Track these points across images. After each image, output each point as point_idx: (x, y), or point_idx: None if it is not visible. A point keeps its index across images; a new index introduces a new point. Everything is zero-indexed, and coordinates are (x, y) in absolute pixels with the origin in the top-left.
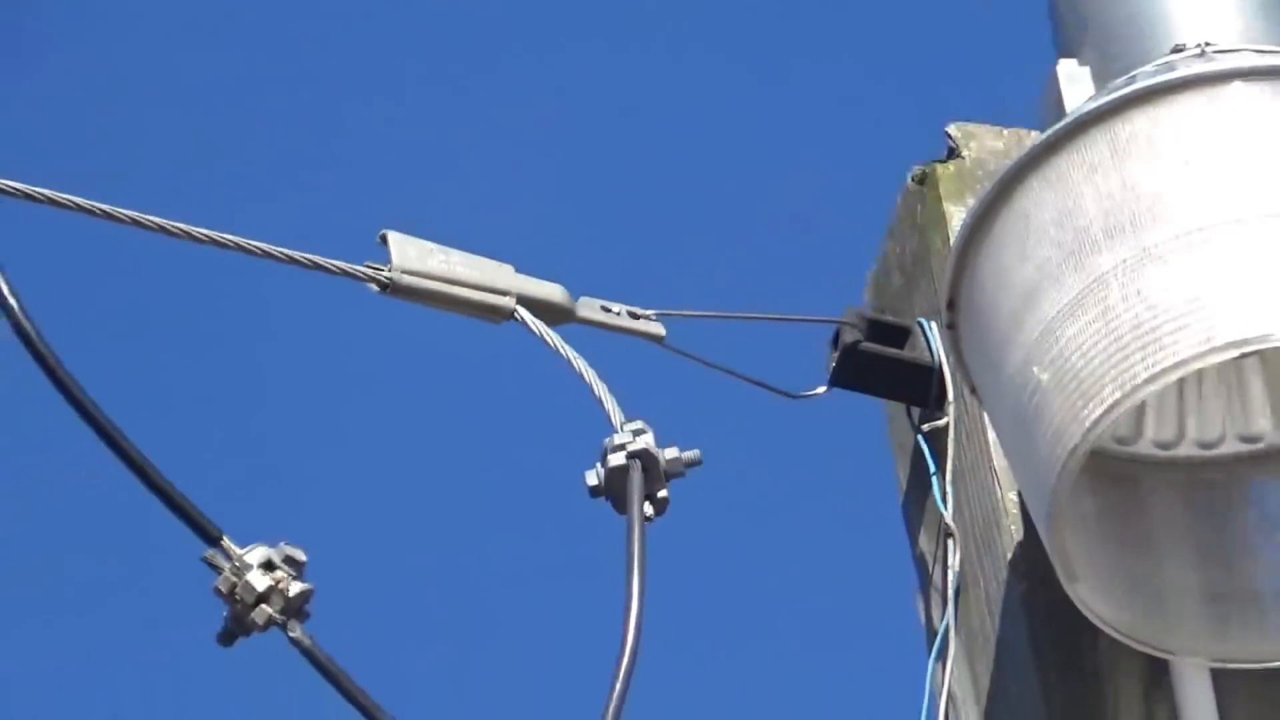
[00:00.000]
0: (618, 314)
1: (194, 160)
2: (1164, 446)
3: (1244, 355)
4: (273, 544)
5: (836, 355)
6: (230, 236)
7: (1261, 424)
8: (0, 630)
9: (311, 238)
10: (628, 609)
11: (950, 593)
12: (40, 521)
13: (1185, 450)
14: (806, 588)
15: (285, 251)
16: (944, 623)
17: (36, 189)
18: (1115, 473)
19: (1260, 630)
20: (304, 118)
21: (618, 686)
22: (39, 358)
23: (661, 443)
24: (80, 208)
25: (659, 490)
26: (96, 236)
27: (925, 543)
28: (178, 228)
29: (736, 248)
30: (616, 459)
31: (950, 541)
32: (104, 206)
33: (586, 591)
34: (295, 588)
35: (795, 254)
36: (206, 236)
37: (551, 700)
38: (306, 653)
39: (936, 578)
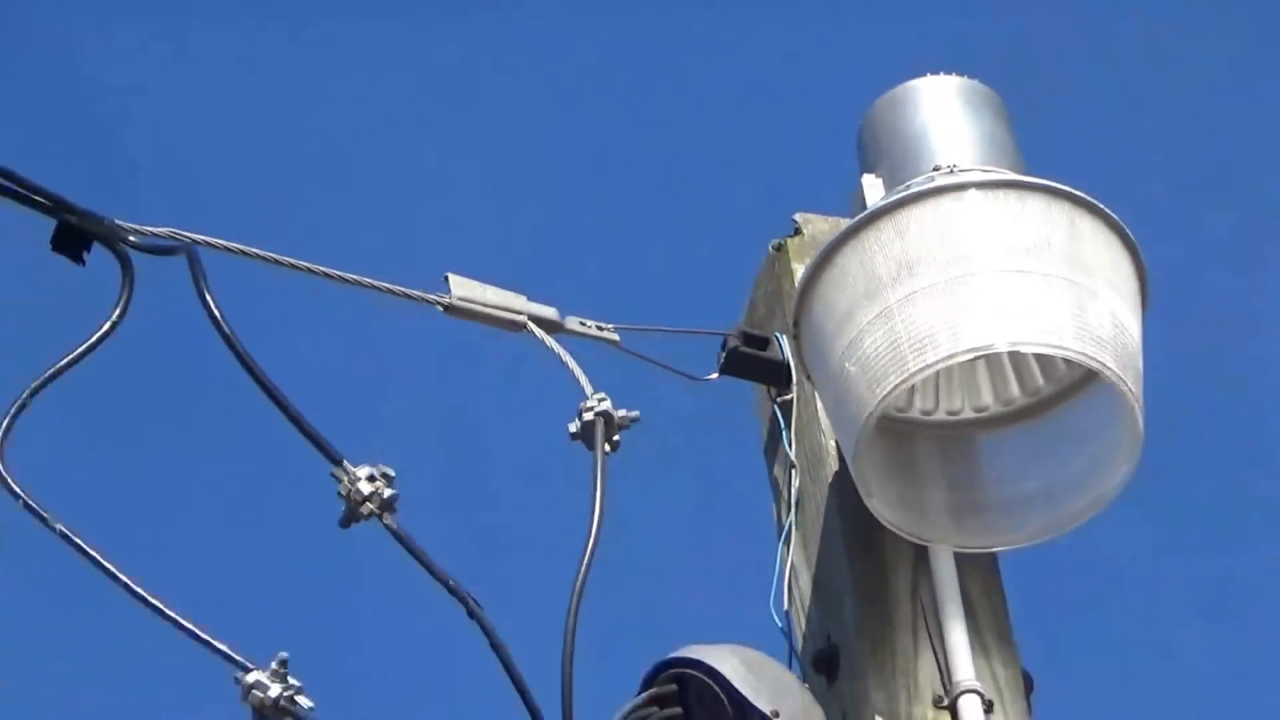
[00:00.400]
0: (589, 327)
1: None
2: (925, 413)
3: (975, 357)
4: (374, 464)
5: (724, 355)
6: (321, 267)
7: (986, 399)
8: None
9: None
10: (592, 511)
11: (793, 503)
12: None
13: (939, 416)
14: (701, 500)
15: (379, 282)
16: (789, 521)
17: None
18: (895, 429)
19: (984, 530)
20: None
21: (585, 561)
22: (214, 322)
23: (615, 406)
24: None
25: (614, 436)
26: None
27: (779, 472)
28: (288, 261)
29: (663, 283)
30: (588, 416)
31: (793, 471)
32: (285, 258)
33: (568, 500)
34: (388, 492)
35: (699, 293)
36: (306, 266)
37: (542, 573)
38: (397, 536)
39: (785, 494)
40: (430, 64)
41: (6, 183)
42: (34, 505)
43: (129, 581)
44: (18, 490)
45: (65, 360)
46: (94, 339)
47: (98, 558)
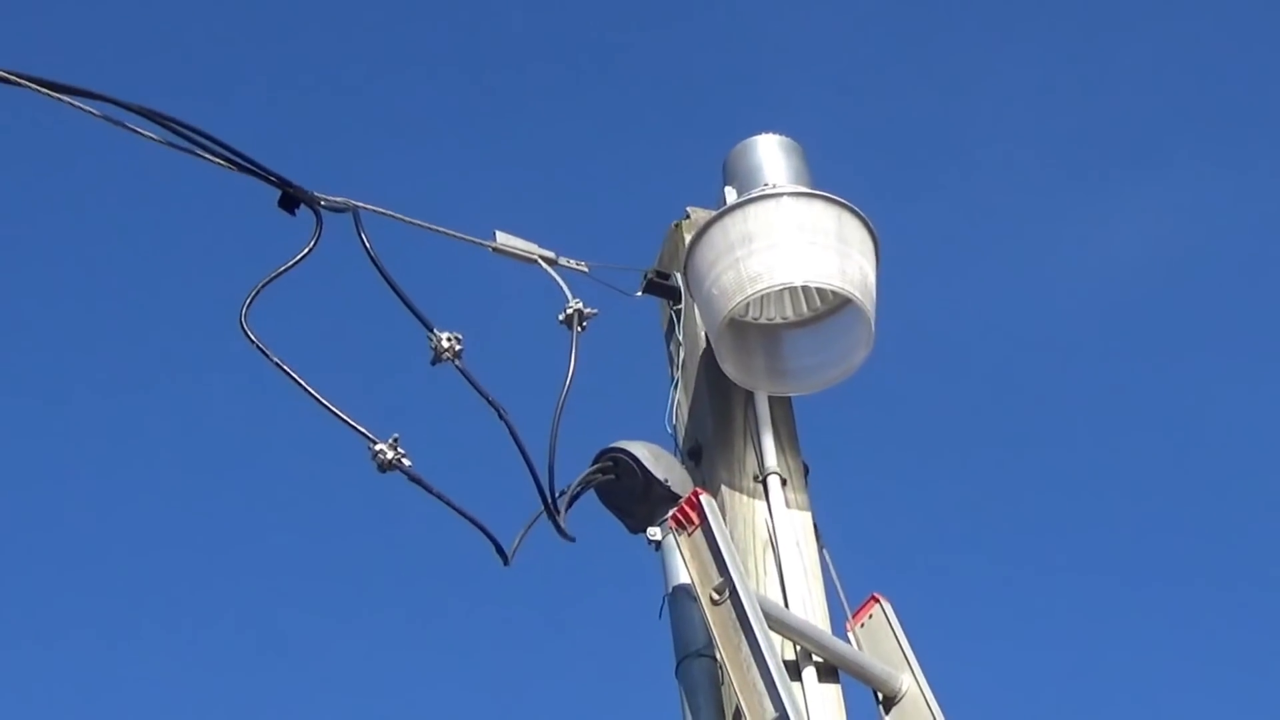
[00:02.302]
0: (571, 263)
1: None
2: (755, 319)
3: (783, 288)
4: (451, 332)
5: (645, 283)
6: (439, 227)
7: (789, 312)
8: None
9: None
10: (568, 367)
11: (679, 365)
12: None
13: (763, 320)
14: (627, 364)
15: (463, 235)
16: (676, 375)
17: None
18: (739, 326)
19: (784, 384)
20: None
21: (564, 393)
22: (369, 255)
23: (585, 306)
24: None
25: (584, 323)
26: None
27: (672, 348)
28: (413, 221)
29: (610, 244)
30: (569, 310)
31: (680, 348)
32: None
33: (552, 362)
34: (458, 347)
35: (634, 251)
36: (426, 225)
37: (540, 400)
38: (463, 373)
39: (675, 359)
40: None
41: (256, 168)
42: (255, 340)
43: (304, 383)
44: (251, 336)
45: (286, 266)
46: (300, 256)
47: (286, 368)
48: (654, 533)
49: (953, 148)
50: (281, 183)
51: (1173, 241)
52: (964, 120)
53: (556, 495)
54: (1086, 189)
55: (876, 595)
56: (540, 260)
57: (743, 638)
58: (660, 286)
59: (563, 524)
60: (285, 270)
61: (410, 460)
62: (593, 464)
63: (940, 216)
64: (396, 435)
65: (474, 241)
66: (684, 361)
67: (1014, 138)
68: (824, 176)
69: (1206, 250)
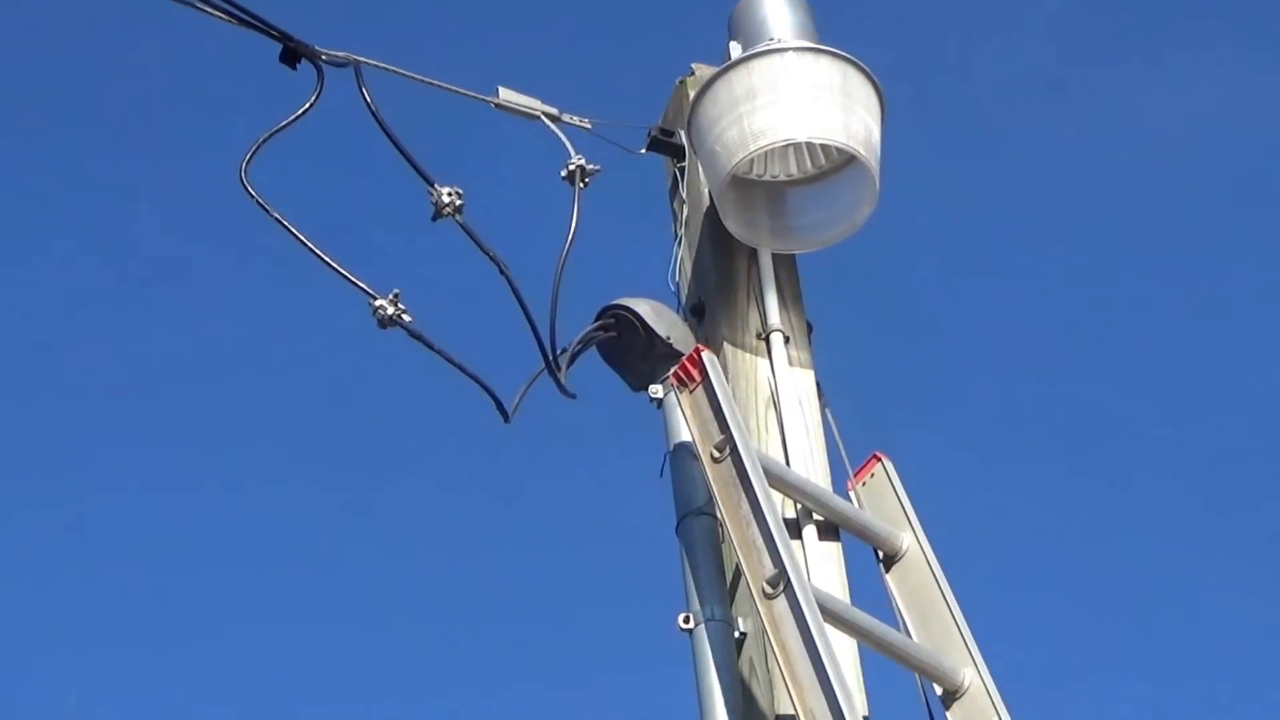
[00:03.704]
0: (575, 120)
1: None
2: (759, 176)
3: (787, 143)
4: (452, 186)
5: (649, 139)
6: (439, 81)
7: (794, 169)
8: None
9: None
10: (570, 220)
11: (683, 221)
12: None
13: (767, 177)
14: (633, 221)
15: (464, 90)
16: (680, 233)
17: None
18: (742, 183)
19: (789, 240)
20: None
21: (566, 247)
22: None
23: (587, 163)
24: None
25: (586, 180)
26: None
27: (675, 206)
28: (410, 74)
29: (617, 100)
30: (572, 166)
31: (684, 205)
32: None
33: (555, 219)
34: (459, 202)
35: (639, 108)
36: (426, 80)
37: (541, 258)
38: (464, 228)
39: (679, 217)
40: None
41: (258, 23)
42: (255, 195)
43: (305, 239)
44: (251, 191)
45: (287, 121)
46: (301, 111)
47: (286, 224)
48: (656, 390)
49: (983, 26)
50: (283, 37)
51: (1199, 134)
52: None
53: (558, 352)
54: (1115, 77)
55: (878, 454)
56: (543, 116)
57: (743, 495)
58: (664, 144)
59: (564, 381)
60: (286, 125)
61: (411, 316)
62: (594, 321)
63: (958, 90)
64: (397, 290)
65: (477, 97)
66: (687, 219)
67: (1045, 20)
68: (836, 38)
69: (1234, 141)
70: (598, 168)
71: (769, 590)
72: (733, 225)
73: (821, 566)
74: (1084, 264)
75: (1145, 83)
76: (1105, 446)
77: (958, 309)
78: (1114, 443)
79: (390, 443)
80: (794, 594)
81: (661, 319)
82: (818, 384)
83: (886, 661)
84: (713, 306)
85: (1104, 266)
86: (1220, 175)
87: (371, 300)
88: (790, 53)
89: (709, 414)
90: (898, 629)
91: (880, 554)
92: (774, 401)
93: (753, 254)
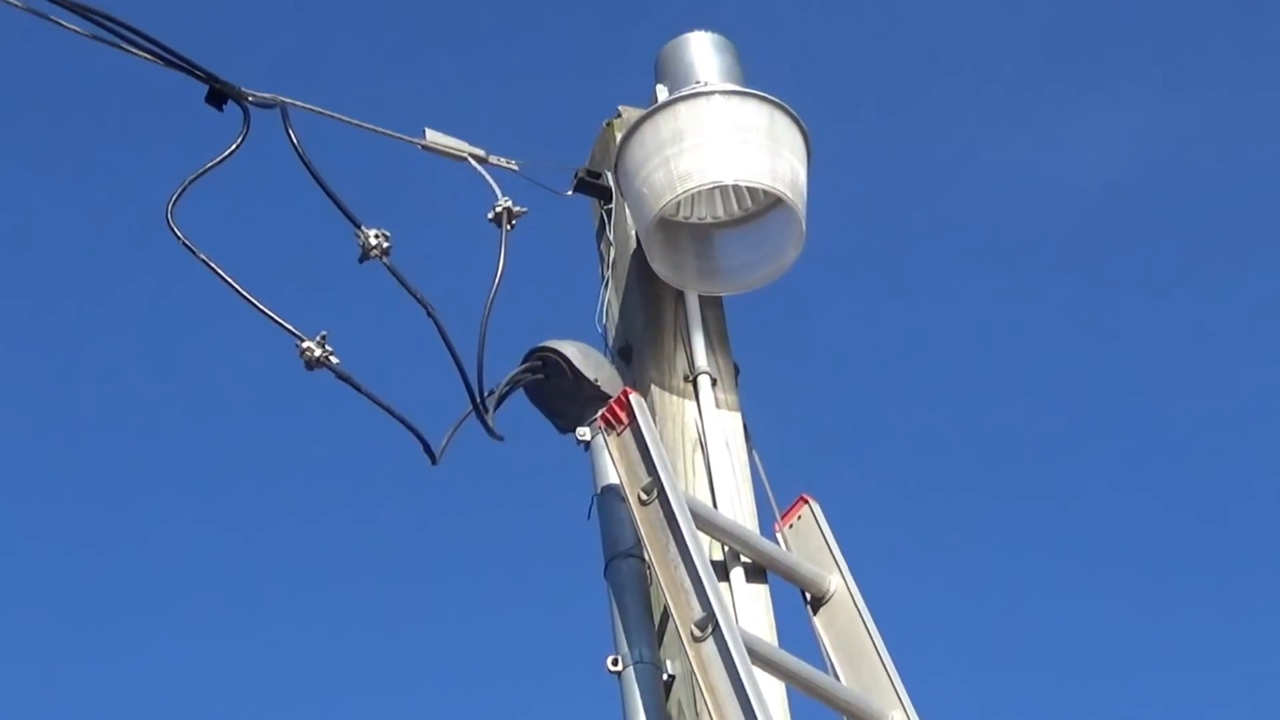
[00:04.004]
0: (502, 161)
1: None
2: (685, 218)
3: (714, 186)
4: (379, 228)
5: (576, 181)
6: (368, 124)
7: (720, 211)
8: None
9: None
10: (498, 262)
11: (610, 264)
12: None
13: (693, 220)
14: (559, 265)
15: (391, 132)
16: (607, 275)
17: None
18: (669, 225)
19: (715, 283)
20: None
21: (493, 291)
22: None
23: (514, 205)
24: None
25: (513, 221)
26: None
27: (603, 248)
28: (342, 118)
29: (542, 144)
30: (499, 209)
31: (610, 248)
32: None
33: (482, 261)
34: (386, 244)
35: (565, 150)
36: (356, 123)
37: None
38: (391, 270)
39: (606, 259)
40: None
41: (184, 63)
42: (181, 236)
43: (231, 280)
44: (177, 232)
45: (213, 162)
46: (227, 153)
47: (213, 265)
48: (583, 432)
49: (908, 60)
50: (209, 78)
51: (1125, 164)
52: (918, 33)
53: (486, 394)
54: (1041, 107)
55: (805, 496)
56: (470, 158)
57: (670, 537)
58: (591, 185)
59: (491, 423)
60: (213, 166)
61: (338, 358)
62: (522, 363)
63: (887, 127)
64: (324, 333)
65: (403, 139)
66: (614, 261)
67: (969, 53)
68: (763, 79)
69: (1158, 173)
70: (524, 210)
71: (697, 633)
72: (659, 267)
73: (749, 609)
74: (1009, 296)
75: (1069, 114)
76: (1034, 477)
77: (883, 344)
78: (1043, 473)
79: (317, 485)
80: (722, 636)
81: (589, 361)
82: (745, 426)
83: (815, 704)
84: (640, 348)
85: (1029, 298)
86: (1146, 205)
87: (299, 342)
88: (717, 96)
89: (636, 456)
90: (826, 671)
91: (808, 596)
92: (701, 444)
93: (680, 296)
